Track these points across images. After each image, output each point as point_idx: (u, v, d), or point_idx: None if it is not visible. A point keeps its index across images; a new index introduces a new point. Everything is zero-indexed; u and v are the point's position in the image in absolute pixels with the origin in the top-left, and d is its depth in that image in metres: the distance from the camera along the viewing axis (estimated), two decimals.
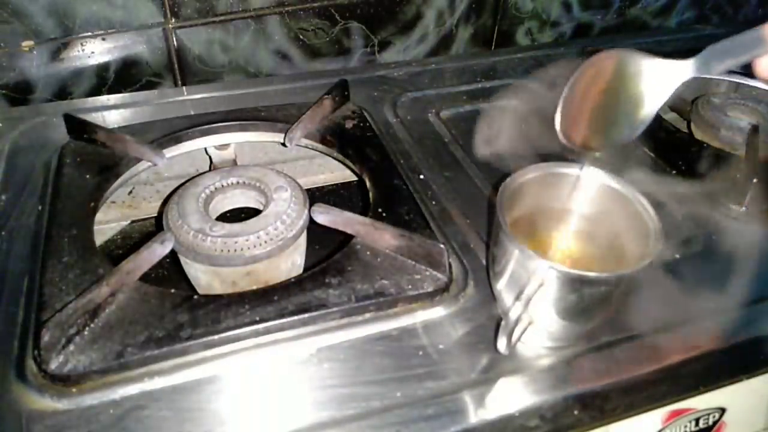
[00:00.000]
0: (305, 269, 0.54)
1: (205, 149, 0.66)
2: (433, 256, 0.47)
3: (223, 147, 0.66)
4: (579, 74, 0.43)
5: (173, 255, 0.50)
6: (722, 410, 0.51)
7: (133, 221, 0.70)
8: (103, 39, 0.70)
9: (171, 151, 0.63)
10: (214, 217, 0.54)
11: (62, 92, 0.71)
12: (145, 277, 0.47)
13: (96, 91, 0.72)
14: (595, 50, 0.43)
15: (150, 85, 0.74)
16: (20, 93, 0.69)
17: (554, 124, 0.44)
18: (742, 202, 0.58)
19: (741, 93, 0.75)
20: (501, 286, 0.44)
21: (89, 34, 0.69)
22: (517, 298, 0.39)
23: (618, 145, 0.43)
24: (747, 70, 0.38)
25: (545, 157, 0.47)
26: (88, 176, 0.57)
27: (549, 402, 0.42)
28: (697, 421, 0.51)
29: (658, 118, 0.71)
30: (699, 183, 0.61)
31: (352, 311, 0.45)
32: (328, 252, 0.54)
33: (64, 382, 0.40)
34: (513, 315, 0.39)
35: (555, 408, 0.42)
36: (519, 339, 0.40)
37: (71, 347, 0.41)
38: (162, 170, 0.69)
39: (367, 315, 0.46)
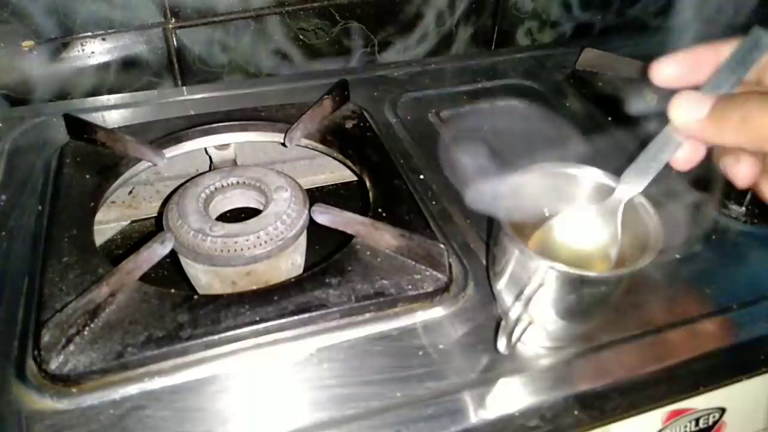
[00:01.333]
0: (305, 269, 0.54)
1: (205, 149, 0.66)
2: (433, 256, 0.47)
3: (223, 147, 0.66)
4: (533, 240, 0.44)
5: (173, 255, 0.50)
6: (722, 410, 0.51)
7: (133, 221, 0.70)
8: (103, 39, 0.70)
9: (171, 151, 0.63)
10: (214, 217, 0.54)
11: (62, 92, 0.71)
12: (145, 277, 0.47)
13: (96, 91, 0.72)
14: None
15: (150, 85, 0.74)
16: (20, 93, 0.69)
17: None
18: (742, 202, 0.58)
19: None
20: (501, 286, 0.44)
21: (89, 34, 0.69)
22: (517, 298, 0.39)
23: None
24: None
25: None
26: (88, 176, 0.57)
27: (549, 402, 0.42)
28: (697, 421, 0.51)
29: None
30: (699, 183, 0.61)
31: (352, 311, 0.45)
32: (328, 252, 0.54)
33: (64, 382, 0.40)
34: (513, 315, 0.39)
35: (555, 408, 0.42)
36: (519, 339, 0.40)
37: (71, 347, 0.41)
38: (162, 170, 0.69)
39: (367, 315, 0.46)
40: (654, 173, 0.39)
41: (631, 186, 0.40)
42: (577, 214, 0.44)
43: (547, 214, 0.48)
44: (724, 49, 0.36)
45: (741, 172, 0.36)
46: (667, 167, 0.38)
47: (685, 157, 0.38)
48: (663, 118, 0.37)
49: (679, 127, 0.36)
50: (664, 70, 0.37)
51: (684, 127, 0.36)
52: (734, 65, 0.36)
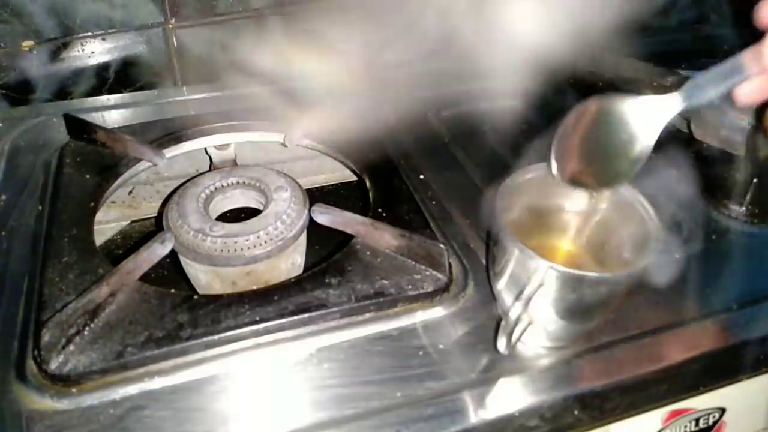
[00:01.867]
0: (305, 269, 0.54)
1: (205, 149, 0.66)
2: (433, 256, 0.47)
3: (223, 147, 0.66)
4: (568, 120, 0.44)
5: (173, 255, 0.50)
6: (722, 410, 0.51)
7: (133, 221, 0.70)
8: (103, 39, 0.70)
9: (171, 151, 0.63)
10: (214, 217, 0.54)
11: (62, 92, 0.71)
12: (145, 277, 0.47)
13: (96, 91, 0.72)
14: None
15: (150, 85, 0.74)
16: (20, 93, 0.69)
17: (550, 168, 0.44)
18: (742, 202, 0.58)
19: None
20: (501, 286, 0.44)
21: (89, 34, 0.69)
22: (517, 298, 0.39)
23: (619, 183, 0.43)
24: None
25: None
26: (88, 176, 0.57)
27: (549, 402, 0.42)
28: (697, 421, 0.51)
29: None
30: (699, 183, 0.61)
31: (352, 311, 0.45)
32: (328, 252, 0.54)
33: (64, 382, 0.40)
34: (513, 315, 0.39)
35: (555, 408, 0.42)
36: (519, 339, 0.40)
37: (71, 347, 0.41)
38: (162, 170, 0.69)
39: (367, 315, 0.46)
40: (716, 95, 0.38)
41: (686, 99, 0.39)
42: (623, 104, 0.42)
43: (546, 213, 0.48)
44: None
45: None
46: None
47: (751, 90, 0.37)
48: None
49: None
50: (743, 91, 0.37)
51: None
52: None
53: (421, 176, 0.61)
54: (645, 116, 0.41)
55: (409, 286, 0.46)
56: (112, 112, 0.70)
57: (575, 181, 0.44)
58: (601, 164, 0.43)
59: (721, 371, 0.47)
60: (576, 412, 0.43)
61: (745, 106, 0.38)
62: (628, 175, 0.42)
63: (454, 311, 0.47)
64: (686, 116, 0.73)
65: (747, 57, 0.36)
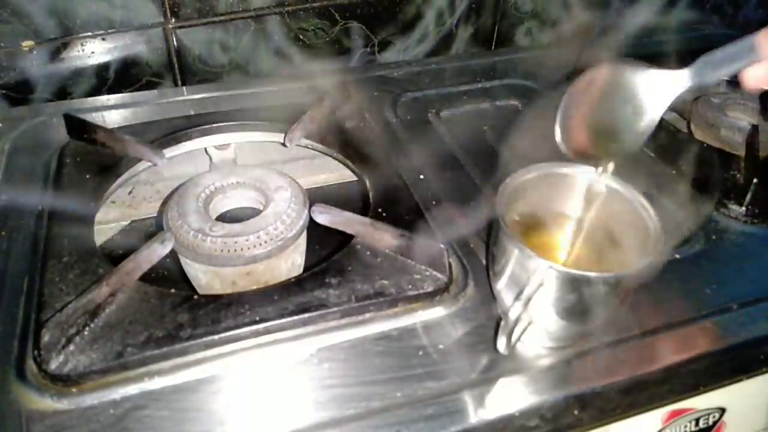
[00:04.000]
0: (305, 269, 0.54)
1: (205, 149, 0.66)
2: (433, 256, 0.47)
3: (223, 147, 0.66)
4: (575, 87, 0.43)
5: (173, 255, 0.50)
6: (722, 410, 0.51)
7: (133, 221, 0.70)
8: (103, 39, 0.70)
9: (171, 151, 0.63)
10: (214, 217, 0.54)
11: (62, 92, 0.71)
12: (145, 277, 0.47)
13: (96, 91, 0.72)
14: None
15: (150, 85, 0.74)
16: (20, 93, 0.70)
17: (554, 136, 0.44)
18: (742, 202, 0.58)
19: (741, 93, 0.75)
20: (501, 286, 0.44)
21: (89, 34, 0.69)
22: (517, 298, 0.39)
23: (623, 155, 0.43)
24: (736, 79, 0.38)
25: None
26: (88, 176, 0.57)
27: (549, 402, 0.42)
28: (697, 421, 0.51)
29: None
30: (699, 183, 0.61)
31: (352, 311, 0.45)
32: (328, 252, 0.54)
33: (64, 382, 0.40)
34: (513, 315, 0.39)
35: (555, 408, 0.42)
36: (519, 339, 0.40)
37: (71, 347, 0.41)
38: (162, 170, 0.69)
39: (367, 315, 0.46)
40: (725, 74, 0.38)
41: (697, 75, 0.39)
42: (633, 75, 0.42)
43: (546, 213, 0.48)
44: None
45: None
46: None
47: (759, 74, 0.37)
48: None
49: None
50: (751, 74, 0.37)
51: None
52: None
53: (421, 176, 0.61)
54: (654, 89, 0.41)
55: (409, 286, 0.46)
56: (112, 112, 0.70)
57: (579, 152, 0.44)
58: (605, 135, 0.43)
59: (721, 371, 0.47)
60: (576, 412, 0.43)
61: (751, 89, 0.38)
62: (632, 148, 0.42)
63: (454, 311, 0.47)
64: (686, 117, 0.73)
65: (760, 39, 0.36)
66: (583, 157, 0.44)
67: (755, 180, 0.58)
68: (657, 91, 0.41)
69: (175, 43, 0.72)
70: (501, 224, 0.41)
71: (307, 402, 0.41)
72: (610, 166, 0.44)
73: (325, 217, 0.50)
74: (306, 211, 0.52)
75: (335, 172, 0.75)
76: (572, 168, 0.46)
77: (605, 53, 0.77)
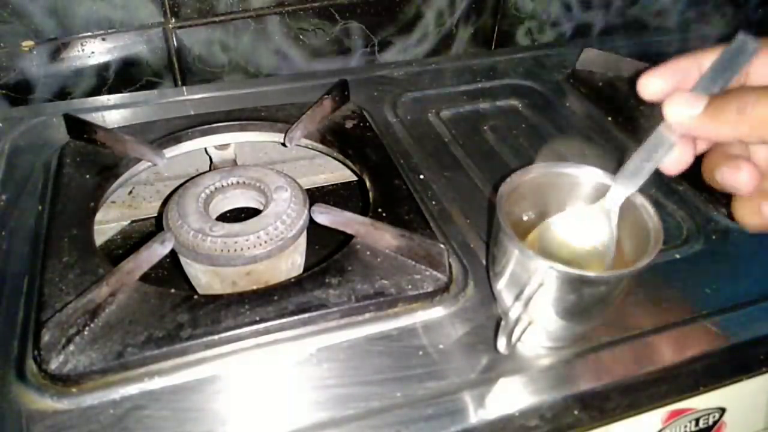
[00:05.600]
0: (305, 269, 0.54)
1: (205, 149, 0.66)
2: (433, 256, 0.47)
3: (223, 147, 0.66)
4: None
5: (173, 255, 0.50)
6: (722, 410, 0.51)
7: (133, 221, 0.70)
8: (103, 39, 0.70)
9: (171, 151, 0.63)
10: (214, 217, 0.54)
11: (62, 92, 0.71)
12: (145, 277, 0.47)
13: (96, 91, 0.72)
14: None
15: (150, 85, 0.74)
16: (20, 93, 0.70)
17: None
18: None
19: None
20: (501, 286, 0.44)
21: (89, 34, 0.69)
22: (517, 298, 0.39)
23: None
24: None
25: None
26: (88, 176, 0.57)
27: (549, 402, 0.42)
28: (697, 421, 0.51)
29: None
30: (699, 183, 0.61)
31: (352, 311, 0.45)
32: (328, 252, 0.54)
33: (64, 382, 0.40)
34: (513, 315, 0.39)
35: (555, 408, 0.42)
36: (519, 339, 0.40)
37: (71, 347, 0.41)
38: (162, 170, 0.69)
39: (367, 315, 0.46)
40: (647, 175, 0.39)
41: (625, 187, 0.40)
42: (573, 213, 0.44)
43: (547, 213, 0.48)
44: (706, 59, 0.37)
45: (742, 178, 0.36)
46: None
47: (675, 160, 0.38)
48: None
49: (675, 124, 0.36)
50: (651, 85, 0.37)
51: (679, 125, 0.36)
52: (720, 71, 0.36)
53: (421, 176, 0.61)
54: (595, 221, 0.43)
55: (409, 286, 0.46)
56: (112, 112, 0.70)
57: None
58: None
59: (721, 371, 0.47)
60: (576, 412, 0.43)
61: (675, 174, 0.38)
62: (604, 265, 0.42)
63: (454, 311, 0.47)
64: None
65: (663, 127, 0.37)
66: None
67: None
68: (599, 222, 0.42)
69: (175, 43, 0.72)
70: (501, 224, 0.41)
71: (306, 402, 0.41)
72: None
73: (325, 217, 0.50)
74: (306, 211, 0.52)
75: (335, 172, 0.75)
76: (573, 168, 0.46)
77: (605, 52, 0.78)
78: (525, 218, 0.47)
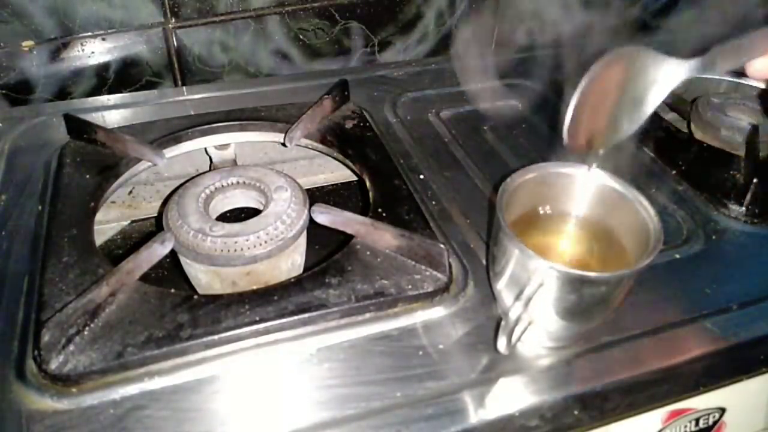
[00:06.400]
0: (305, 269, 0.54)
1: (205, 149, 0.66)
2: (433, 256, 0.47)
3: (223, 147, 0.66)
4: (591, 74, 0.43)
5: (173, 255, 0.50)
6: (722, 410, 0.51)
7: (133, 221, 0.70)
8: (103, 39, 0.70)
9: (171, 151, 0.63)
10: (214, 217, 0.54)
11: (62, 92, 0.71)
12: (145, 277, 0.47)
13: (96, 91, 0.72)
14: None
15: (150, 85, 0.74)
16: (20, 93, 0.70)
17: (563, 124, 0.43)
18: (742, 202, 0.58)
19: (741, 93, 0.75)
20: (501, 286, 0.44)
21: (89, 34, 0.69)
22: (517, 298, 0.39)
23: (616, 142, 0.43)
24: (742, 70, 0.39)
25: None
26: (88, 176, 0.57)
27: (549, 402, 0.42)
28: (697, 421, 0.51)
29: (658, 118, 0.71)
30: (699, 183, 0.61)
31: (352, 311, 0.45)
32: (328, 252, 0.54)
33: (64, 382, 0.40)
34: (513, 315, 0.39)
35: (555, 408, 0.42)
36: (519, 339, 0.40)
37: (71, 347, 0.41)
38: (162, 170, 0.69)
39: (367, 315, 0.46)
40: (731, 66, 0.38)
41: (706, 67, 0.39)
42: (644, 60, 0.42)
43: (547, 213, 0.48)
44: None
45: None
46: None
47: (764, 66, 0.37)
48: None
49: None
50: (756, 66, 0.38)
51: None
52: None
53: (421, 176, 0.61)
54: (661, 74, 0.41)
55: (409, 286, 0.46)
56: (112, 112, 0.70)
57: (577, 138, 0.43)
58: (605, 118, 0.43)
59: (721, 371, 0.47)
60: (576, 412, 0.43)
61: (757, 79, 0.38)
62: (628, 131, 0.42)
63: (454, 311, 0.47)
64: (686, 117, 0.73)
65: (765, 33, 0.37)
66: (581, 146, 0.44)
67: (755, 180, 0.58)
68: (662, 78, 0.41)
69: (175, 43, 0.72)
70: (501, 224, 0.41)
71: (307, 402, 0.41)
72: (598, 153, 0.44)
73: (325, 217, 0.50)
74: (306, 211, 0.52)
75: (335, 172, 0.75)
76: (572, 168, 0.46)
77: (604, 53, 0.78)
78: (524, 218, 0.47)
